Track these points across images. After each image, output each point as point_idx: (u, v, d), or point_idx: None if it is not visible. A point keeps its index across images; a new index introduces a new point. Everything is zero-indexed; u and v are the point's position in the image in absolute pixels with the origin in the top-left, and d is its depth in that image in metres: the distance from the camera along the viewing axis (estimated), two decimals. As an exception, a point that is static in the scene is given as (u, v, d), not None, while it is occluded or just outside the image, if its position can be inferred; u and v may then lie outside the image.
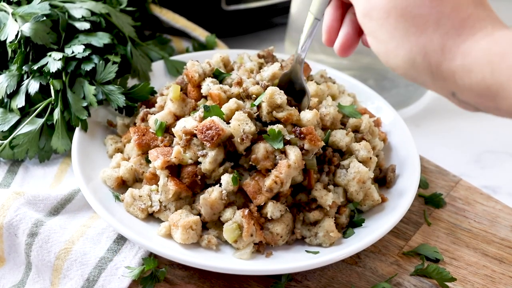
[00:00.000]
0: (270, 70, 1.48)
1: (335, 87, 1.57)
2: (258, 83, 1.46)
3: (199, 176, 1.38)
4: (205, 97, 1.48)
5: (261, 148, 1.34)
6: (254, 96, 1.43)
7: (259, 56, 1.59)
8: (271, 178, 1.32)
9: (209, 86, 1.46)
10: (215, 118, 1.35)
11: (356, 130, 1.51)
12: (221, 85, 1.45)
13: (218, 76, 1.52)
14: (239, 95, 1.45)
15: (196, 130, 1.36)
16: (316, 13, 1.28)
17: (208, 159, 1.35)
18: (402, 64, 1.03)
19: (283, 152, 1.35)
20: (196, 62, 1.52)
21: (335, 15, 1.20)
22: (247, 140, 1.34)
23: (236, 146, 1.36)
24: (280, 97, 1.37)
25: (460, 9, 0.99)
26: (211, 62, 1.54)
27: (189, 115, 1.46)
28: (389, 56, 1.04)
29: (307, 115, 1.38)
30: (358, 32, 1.18)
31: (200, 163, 1.37)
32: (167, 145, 1.44)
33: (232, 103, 1.40)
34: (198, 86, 1.50)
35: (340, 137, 1.43)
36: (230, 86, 1.50)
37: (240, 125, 1.35)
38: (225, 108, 1.40)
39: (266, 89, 1.42)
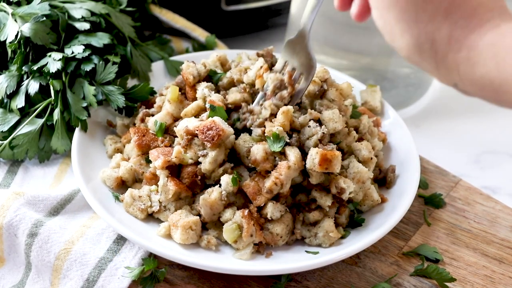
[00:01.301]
0: (255, 67, 1.47)
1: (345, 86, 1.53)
2: (239, 91, 1.46)
3: (199, 177, 1.38)
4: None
5: (260, 150, 1.34)
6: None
7: (258, 55, 1.59)
8: (271, 180, 1.32)
9: (204, 92, 1.46)
10: (216, 119, 1.36)
11: (355, 130, 1.50)
12: (220, 95, 1.45)
13: (213, 76, 1.53)
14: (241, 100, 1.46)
15: (197, 130, 1.36)
16: None
17: (208, 159, 1.35)
18: (406, 48, 1.01)
19: (283, 153, 1.35)
20: (191, 64, 1.52)
21: None
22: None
23: (243, 160, 1.39)
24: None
25: (468, 3, 0.97)
26: (206, 63, 1.54)
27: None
28: (394, 37, 1.01)
29: (336, 125, 1.38)
30: None
31: (201, 163, 1.37)
32: (167, 145, 1.44)
33: None
34: (195, 87, 1.51)
35: (342, 136, 1.43)
36: (225, 88, 1.50)
37: (244, 142, 1.38)
38: None
39: (245, 91, 1.45)
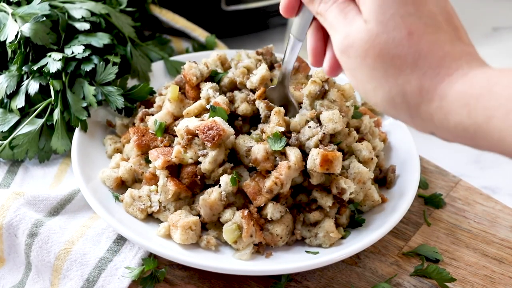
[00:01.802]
0: (259, 74, 1.47)
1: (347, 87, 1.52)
2: (247, 101, 1.46)
3: (199, 177, 1.38)
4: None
5: (261, 150, 1.34)
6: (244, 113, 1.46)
7: (258, 53, 1.59)
8: (271, 179, 1.32)
9: (209, 92, 1.46)
10: (217, 119, 1.36)
11: (356, 130, 1.50)
12: (225, 97, 1.45)
13: (215, 76, 1.53)
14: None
15: (198, 130, 1.36)
16: (298, 35, 1.26)
17: (208, 159, 1.35)
18: (381, 103, 1.02)
19: (283, 153, 1.35)
20: (193, 64, 1.52)
21: (318, 36, 1.16)
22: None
23: (242, 160, 1.39)
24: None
25: (437, 48, 0.97)
26: (208, 63, 1.54)
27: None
28: (367, 94, 1.03)
29: (336, 126, 1.38)
30: None
31: (200, 163, 1.37)
32: (167, 145, 1.44)
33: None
34: (197, 86, 1.51)
35: (342, 137, 1.43)
36: (227, 87, 1.50)
37: (244, 141, 1.38)
38: None
39: (254, 102, 1.45)
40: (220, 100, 1.43)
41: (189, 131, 1.38)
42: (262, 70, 1.47)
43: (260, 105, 1.44)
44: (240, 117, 1.46)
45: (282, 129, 1.36)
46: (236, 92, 1.49)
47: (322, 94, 1.44)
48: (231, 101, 1.47)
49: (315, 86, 1.43)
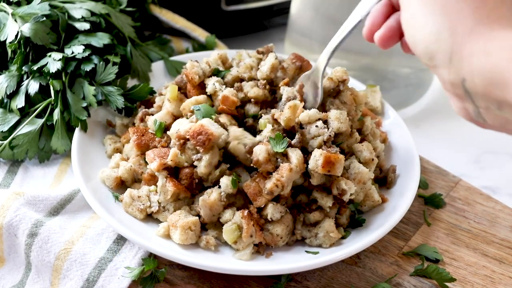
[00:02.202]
0: (268, 63, 1.47)
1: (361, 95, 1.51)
2: (257, 85, 1.46)
3: (196, 180, 1.37)
4: (206, 94, 1.49)
5: (263, 151, 1.34)
6: (253, 100, 1.45)
7: (258, 52, 1.59)
8: (272, 181, 1.32)
9: (215, 86, 1.46)
10: (204, 122, 1.35)
11: (358, 131, 1.50)
12: (232, 89, 1.45)
13: (217, 74, 1.52)
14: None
15: (188, 135, 1.36)
16: (363, 14, 1.29)
17: (203, 163, 1.35)
18: (427, 36, 1.06)
19: (285, 154, 1.35)
20: (195, 63, 1.51)
21: (383, 10, 1.23)
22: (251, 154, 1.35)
23: (243, 162, 1.38)
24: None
25: (499, 10, 1.03)
26: (210, 62, 1.54)
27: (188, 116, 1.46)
28: (417, 28, 1.07)
29: (341, 126, 1.38)
30: (401, 29, 1.21)
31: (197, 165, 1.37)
32: (164, 146, 1.43)
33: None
34: (199, 85, 1.50)
35: (344, 137, 1.43)
36: (231, 85, 1.50)
37: (239, 142, 1.36)
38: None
39: (265, 87, 1.44)
40: (228, 92, 1.43)
41: (180, 137, 1.38)
42: (271, 59, 1.48)
43: (285, 89, 1.44)
44: (252, 99, 1.46)
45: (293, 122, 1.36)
46: (244, 83, 1.49)
47: (335, 93, 1.44)
48: (239, 91, 1.47)
49: (331, 82, 1.44)
